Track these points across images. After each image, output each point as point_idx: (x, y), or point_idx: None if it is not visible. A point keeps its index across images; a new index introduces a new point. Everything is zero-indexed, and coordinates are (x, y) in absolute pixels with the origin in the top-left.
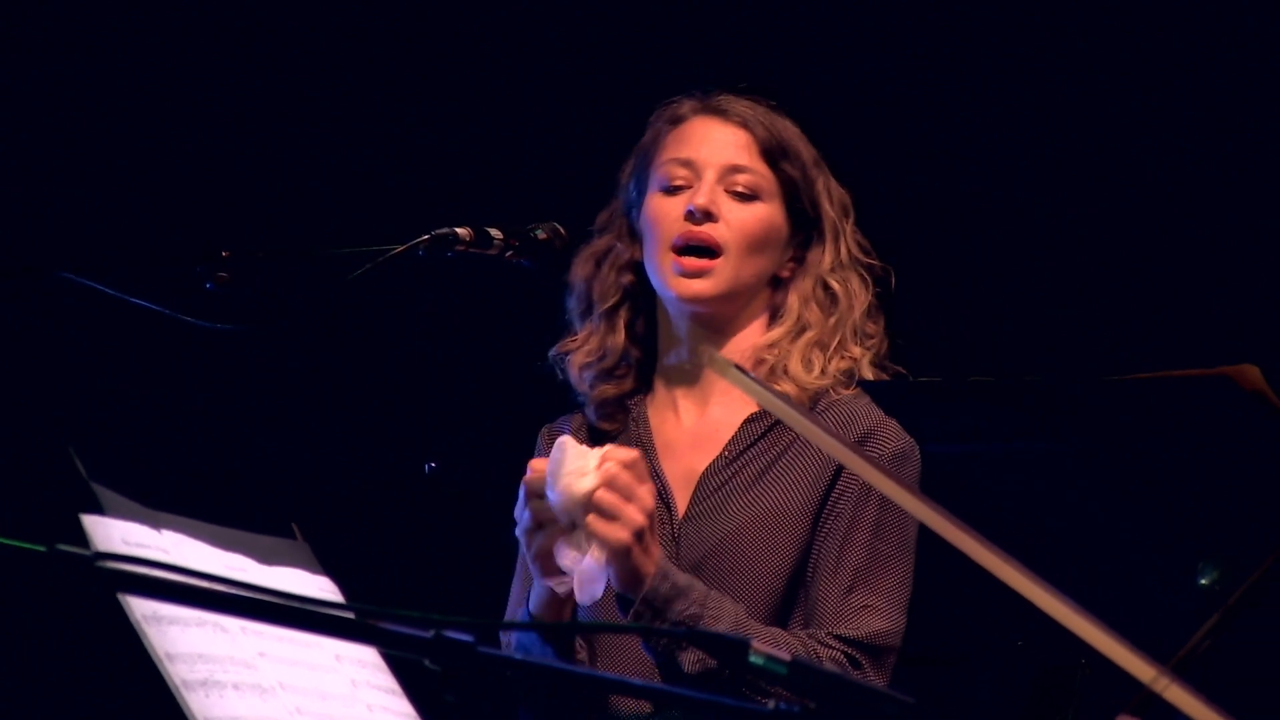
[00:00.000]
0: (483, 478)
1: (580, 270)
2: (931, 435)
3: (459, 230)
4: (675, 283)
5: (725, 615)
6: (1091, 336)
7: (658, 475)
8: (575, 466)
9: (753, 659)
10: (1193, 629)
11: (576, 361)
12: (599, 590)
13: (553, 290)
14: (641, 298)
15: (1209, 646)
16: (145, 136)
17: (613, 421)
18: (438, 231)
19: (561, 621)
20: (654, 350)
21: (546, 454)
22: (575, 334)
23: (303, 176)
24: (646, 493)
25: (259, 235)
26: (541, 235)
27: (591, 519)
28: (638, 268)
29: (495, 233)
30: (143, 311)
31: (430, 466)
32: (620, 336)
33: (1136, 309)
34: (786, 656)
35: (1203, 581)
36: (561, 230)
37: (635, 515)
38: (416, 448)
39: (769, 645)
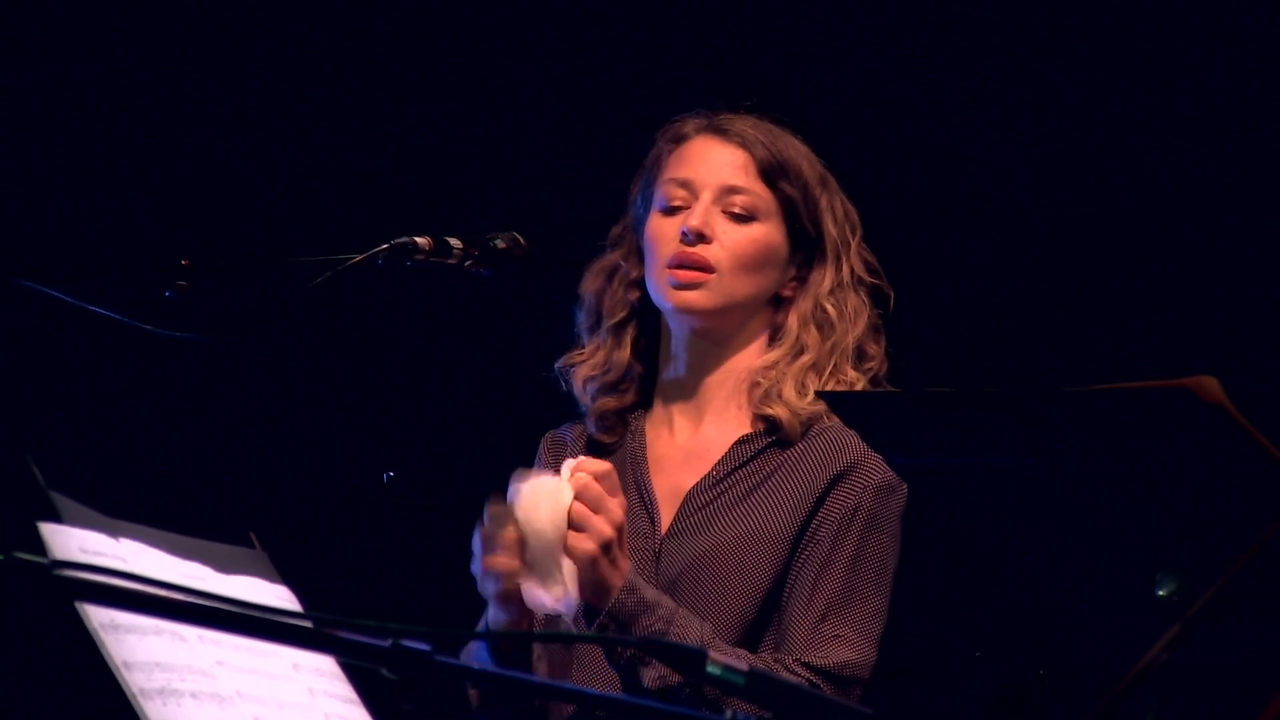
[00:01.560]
0: (443, 487)
1: (590, 284)
2: (890, 448)
3: (418, 239)
4: (670, 294)
5: (691, 633)
6: (1065, 348)
7: (646, 490)
8: (550, 488)
9: (710, 669)
10: (1151, 641)
11: (581, 374)
12: (565, 611)
13: (511, 300)
14: (647, 315)
15: (1167, 659)
16: (104, 142)
17: (611, 434)
18: (397, 241)
19: (518, 631)
20: (657, 367)
21: (547, 463)
22: (583, 347)
23: (263, 184)
24: (616, 505)
25: (219, 244)
26: (501, 245)
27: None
28: (644, 285)
29: (455, 242)
30: (101, 319)
31: (388, 476)
32: (625, 352)
33: (1109, 320)
34: (744, 666)
35: (1161, 593)
36: (521, 240)
37: (603, 527)
38: (375, 457)
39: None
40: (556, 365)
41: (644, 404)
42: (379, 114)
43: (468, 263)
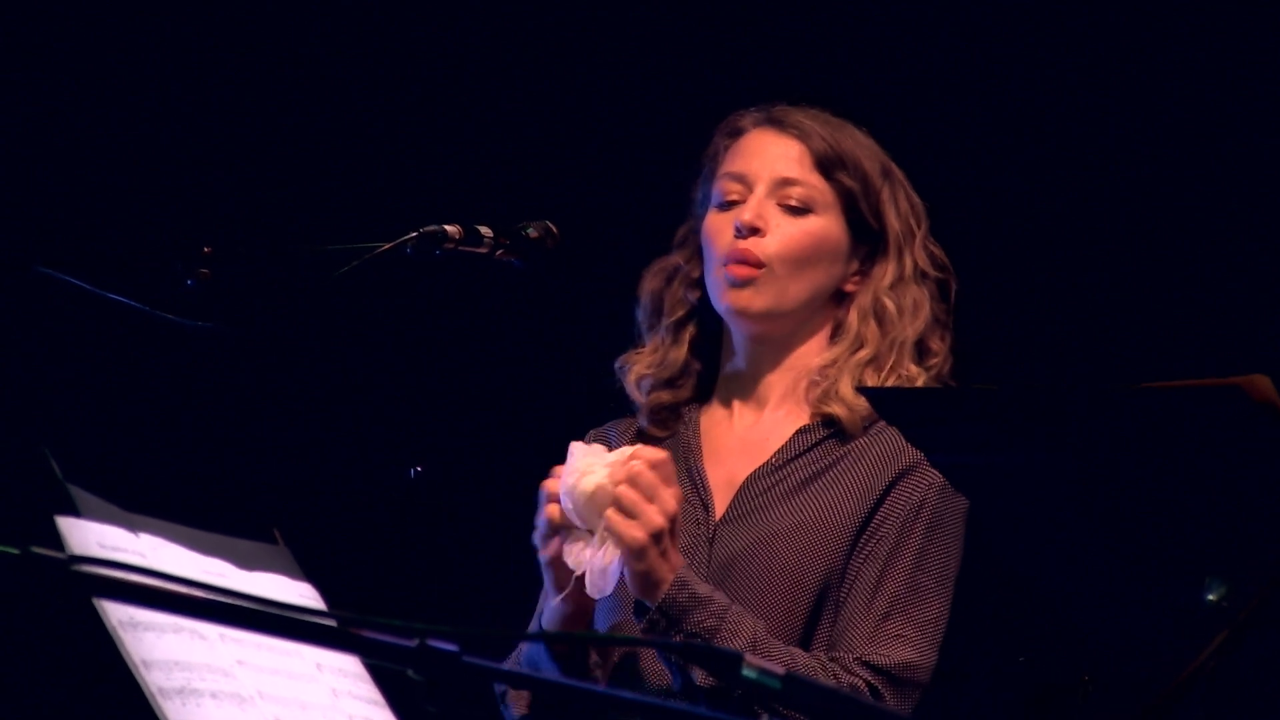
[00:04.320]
0: (471, 483)
1: (650, 284)
2: (933, 445)
3: (448, 228)
4: (725, 293)
5: (744, 630)
6: (1106, 346)
7: (700, 477)
8: (583, 464)
9: (745, 673)
10: (1200, 647)
11: (636, 371)
12: (608, 585)
13: (544, 290)
14: (708, 314)
15: (1216, 665)
16: (124, 128)
17: (664, 428)
18: (426, 229)
19: (554, 632)
20: (716, 364)
21: None
22: (642, 347)
23: (288, 170)
24: (670, 496)
25: (242, 230)
26: (533, 234)
27: (611, 513)
28: (703, 284)
29: (485, 230)
30: (121, 308)
31: (416, 471)
32: (683, 350)
33: (1150, 318)
34: (780, 670)
35: (1210, 598)
36: (554, 229)
37: (655, 516)
38: (403, 451)
39: (778, 664)
40: (616, 364)
41: (700, 399)
42: (408, 96)
43: (499, 252)
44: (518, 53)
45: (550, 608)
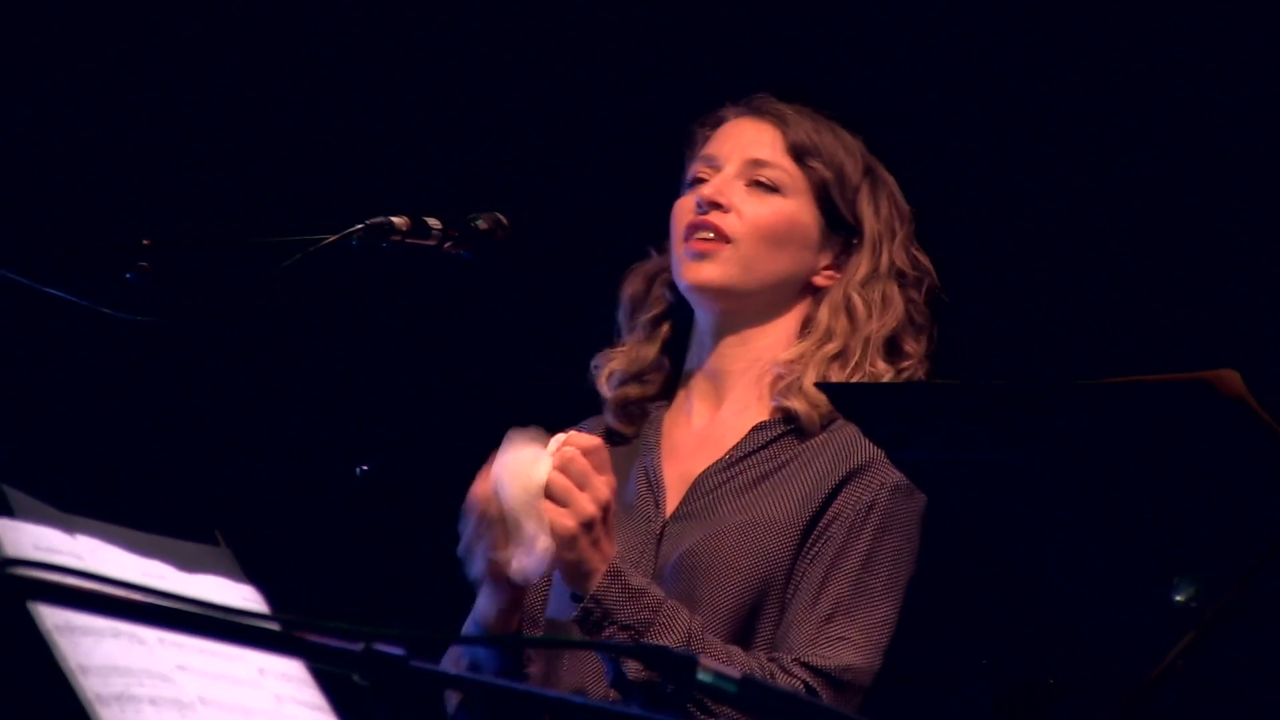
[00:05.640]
0: (420, 481)
1: (630, 287)
2: (892, 442)
3: (395, 219)
4: (685, 267)
5: (678, 625)
6: (1075, 341)
7: (655, 474)
8: (527, 454)
9: (701, 676)
10: (1167, 649)
11: (610, 368)
12: (535, 573)
13: (493, 284)
14: (682, 312)
15: (1184, 666)
16: (59, 119)
17: (631, 424)
18: (372, 220)
19: (503, 635)
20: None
21: None
22: (620, 345)
23: (230, 159)
24: (603, 484)
25: (183, 223)
26: (483, 225)
27: (543, 501)
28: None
29: (434, 222)
30: (57, 302)
31: (362, 469)
32: (655, 347)
33: (1120, 312)
34: (736, 674)
35: (1178, 598)
36: (504, 220)
37: (585, 504)
38: (348, 449)
39: (720, 663)
40: (592, 362)
41: (668, 397)
42: (352, 84)
43: (447, 244)
44: (473, 41)
45: (482, 594)
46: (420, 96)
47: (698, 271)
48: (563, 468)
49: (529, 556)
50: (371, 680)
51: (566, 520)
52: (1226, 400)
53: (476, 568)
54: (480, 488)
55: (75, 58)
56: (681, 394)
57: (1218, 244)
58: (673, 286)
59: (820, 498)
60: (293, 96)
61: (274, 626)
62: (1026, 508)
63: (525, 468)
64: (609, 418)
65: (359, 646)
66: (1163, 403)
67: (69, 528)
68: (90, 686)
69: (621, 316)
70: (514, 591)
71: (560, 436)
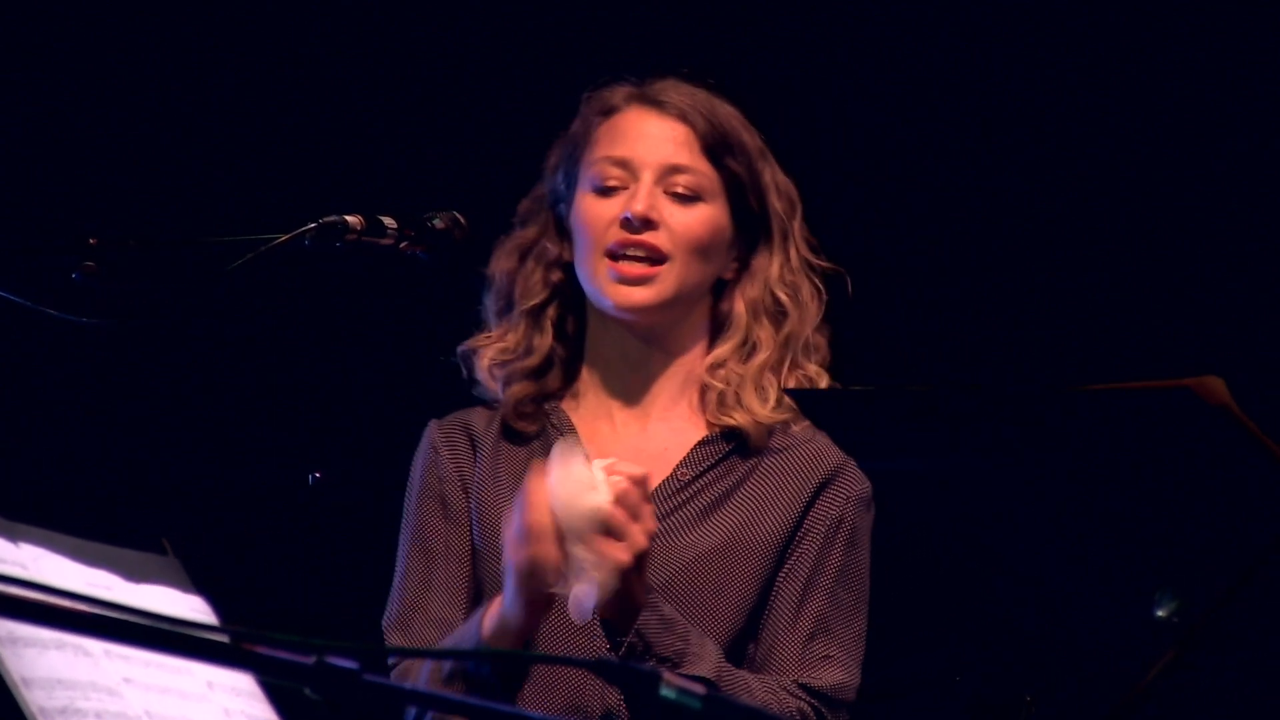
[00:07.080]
0: (375, 489)
1: (502, 264)
2: (864, 449)
3: (349, 218)
4: (612, 290)
5: (708, 656)
6: (1056, 345)
7: None
8: (578, 479)
9: (664, 693)
10: (1150, 663)
11: (488, 357)
12: (587, 603)
13: (451, 284)
14: (570, 297)
15: (1165, 682)
16: (2, 111)
17: (531, 423)
18: (325, 219)
19: (458, 648)
20: (579, 351)
21: (435, 453)
22: (489, 330)
23: (179, 156)
24: (650, 515)
25: (130, 222)
26: (439, 224)
27: (598, 538)
28: (567, 267)
29: (389, 221)
30: (1, 303)
31: (314, 476)
32: (548, 337)
33: (1102, 318)
34: (700, 690)
35: (1160, 613)
36: (461, 219)
37: (640, 539)
38: (300, 455)
39: (741, 691)
40: (459, 349)
41: (563, 391)
42: (306, 81)
43: (403, 244)
44: (427, 39)
45: (506, 611)
46: (375, 93)
47: (630, 296)
48: (619, 499)
49: (587, 587)
50: (324, 695)
51: (622, 555)
52: (1209, 407)
53: (524, 587)
54: (538, 508)
55: (17, 54)
56: (592, 396)
57: (1208, 247)
58: (555, 268)
59: (795, 512)
60: (245, 93)
61: (223, 638)
62: (1005, 517)
63: (579, 495)
64: (508, 416)
65: (311, 659)
66: (1146, 409)
67: (12, 535)
68: (34, 700)
69: (492, 299)
70: (547, 608)
71: (602, 462)
